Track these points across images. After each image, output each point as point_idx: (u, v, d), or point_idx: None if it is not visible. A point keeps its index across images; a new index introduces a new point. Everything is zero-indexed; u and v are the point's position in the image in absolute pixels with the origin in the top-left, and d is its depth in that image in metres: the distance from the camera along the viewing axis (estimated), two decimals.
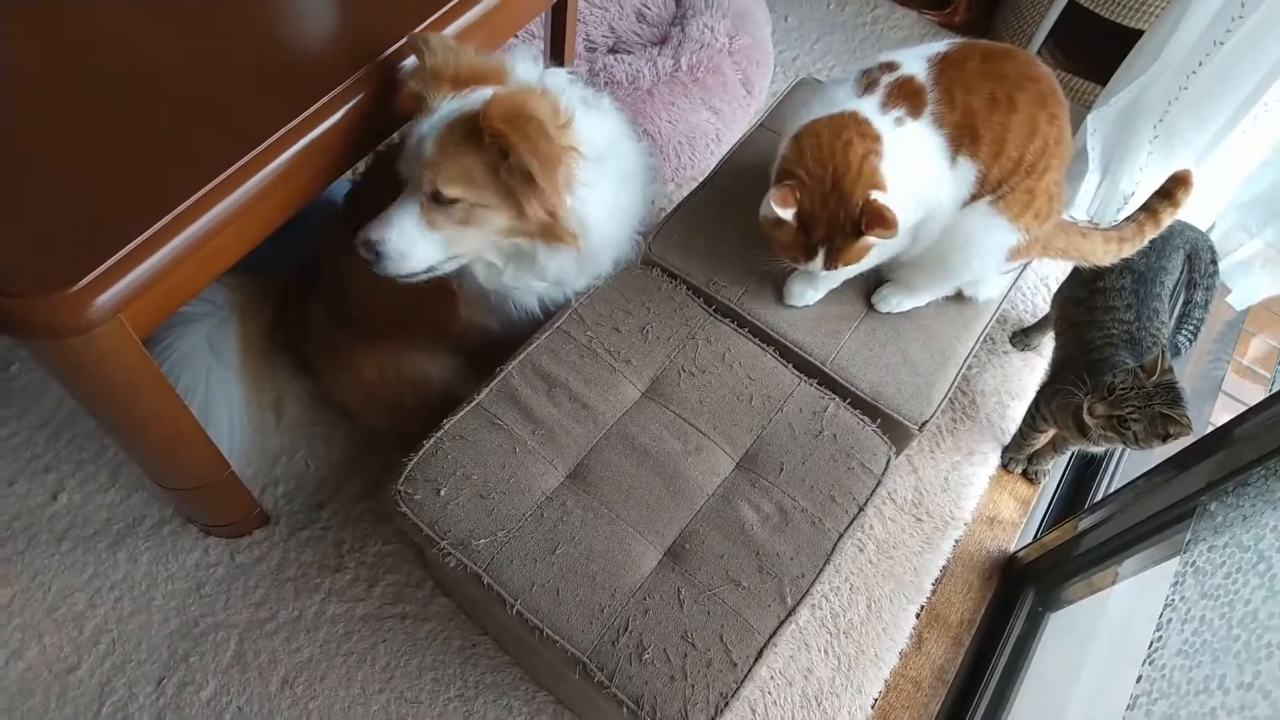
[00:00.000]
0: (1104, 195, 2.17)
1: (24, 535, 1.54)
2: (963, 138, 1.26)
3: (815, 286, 1.44)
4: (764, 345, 1.43)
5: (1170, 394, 1.39)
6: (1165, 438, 1.40)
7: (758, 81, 2.15)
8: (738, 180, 1.60)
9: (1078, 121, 2.16)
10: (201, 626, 1.50)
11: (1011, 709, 1.59)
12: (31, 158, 1.04)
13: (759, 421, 1.36)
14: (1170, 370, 1.40)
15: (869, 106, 1.26)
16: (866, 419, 1.39)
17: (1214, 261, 1.64)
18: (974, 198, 1.31)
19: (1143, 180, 2.07)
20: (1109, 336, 1.54)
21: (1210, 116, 1.90)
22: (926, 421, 1.41)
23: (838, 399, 1.39)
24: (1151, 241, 1.59)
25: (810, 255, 1.26)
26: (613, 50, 2.12)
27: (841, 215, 1.21)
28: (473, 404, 1.31)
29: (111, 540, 1.55)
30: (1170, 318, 1.58)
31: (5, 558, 1.52)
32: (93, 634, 1.47)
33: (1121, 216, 2.11)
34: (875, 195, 1.21)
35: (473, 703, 1.48)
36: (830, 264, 1.27)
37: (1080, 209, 2.21)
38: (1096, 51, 2.35)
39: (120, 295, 0.98)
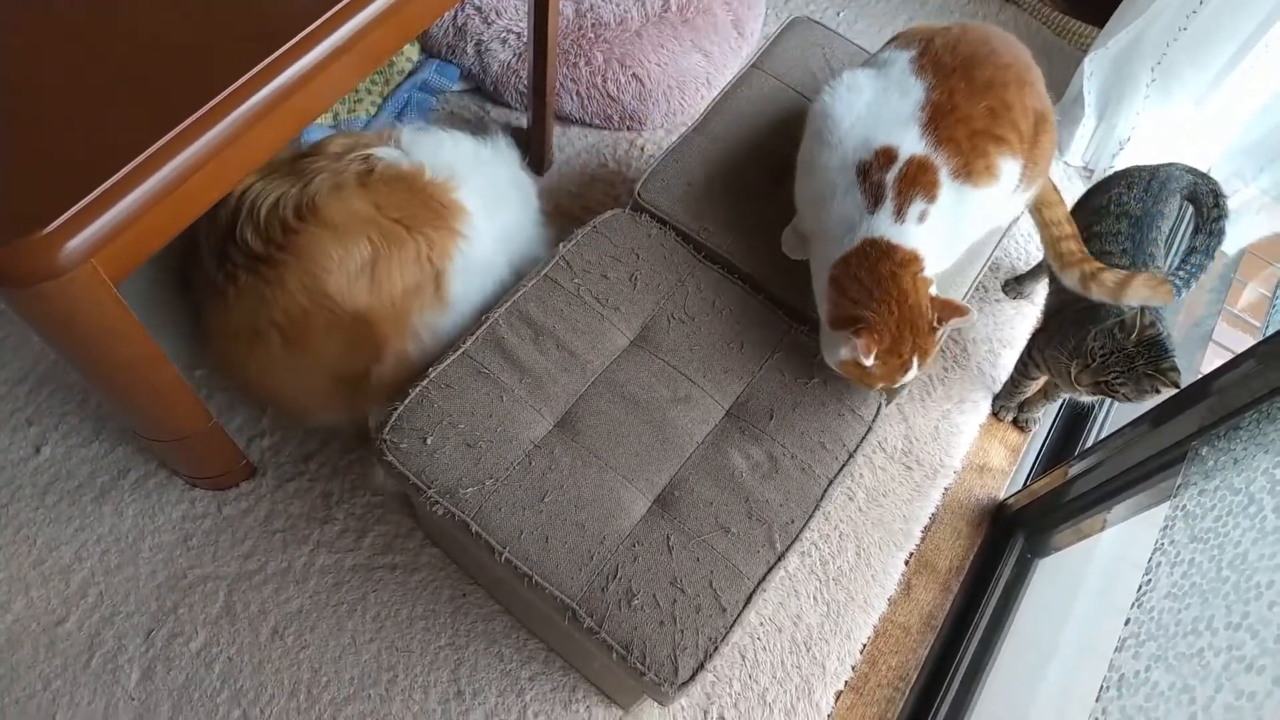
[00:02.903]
0: (1099, 140, 2.14)
1: (7, 489, 1.52)
2: (973, 173, 1.25)
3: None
4: (754, 292, 1.41)
5: (1154, 351, 1.37)
6: (1157, 393, 1.39)
7: (749, 23, 2.10)
8: (728, 125, 1.56)
9: (1075, 65, 2.13)
10: (190, 578, 1.49)
11: (999, 654, 1.60)
12: None
13: (749, 368, 1.35)
14: (1151, 325, 1.38)
15: (886, 226, 1.22)
16: None
17: (1218, 206, 1.58)
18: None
19: (1139, 124, 2.04)
20: None
21: (1209, 58, 1.86)
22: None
23: None
24: (1148, 185, 1.57)
25: (906, 369, 1.26)
26: None
27: (921, 324, 1.23)
28: (459, 352, 1.29)
29: (96, 493, 1.54)
30: (1167, 262, 1.56)
31: None
32: (80, 587, 1.47)
33: (1118, 163, 2.09)
34: (935, 291, 1.24)
35: (463, 651, 1.48)
36: (922, 365, 1.27)
37: (1075, 154, 2.18)
38: None
39: (92, 239, 0.95)
